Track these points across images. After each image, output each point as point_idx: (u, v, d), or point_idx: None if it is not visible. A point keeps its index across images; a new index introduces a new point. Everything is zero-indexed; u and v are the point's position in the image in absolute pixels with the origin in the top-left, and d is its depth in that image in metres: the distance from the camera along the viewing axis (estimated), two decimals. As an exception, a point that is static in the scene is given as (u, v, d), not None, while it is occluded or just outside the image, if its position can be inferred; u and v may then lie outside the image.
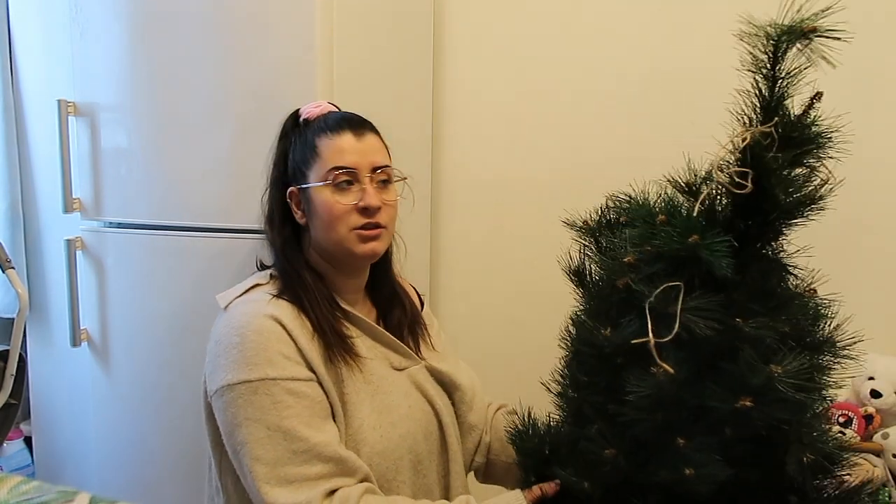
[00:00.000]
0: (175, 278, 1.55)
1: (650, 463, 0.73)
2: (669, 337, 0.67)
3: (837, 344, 0.75)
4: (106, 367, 1.67)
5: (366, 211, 0.95)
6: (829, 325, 0.76)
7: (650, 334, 0.67)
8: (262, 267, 1.06)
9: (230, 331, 0.88)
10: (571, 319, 0.84)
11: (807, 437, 0.70)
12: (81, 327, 1.67)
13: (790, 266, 0.78)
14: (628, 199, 0.83)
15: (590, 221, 0.87)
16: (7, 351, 1.75)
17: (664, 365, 0.67)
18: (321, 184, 0.94)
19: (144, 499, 1.65)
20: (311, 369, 0.88)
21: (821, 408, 0.76)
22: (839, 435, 0.77)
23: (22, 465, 2.00)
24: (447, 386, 1.06)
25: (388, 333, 1.00)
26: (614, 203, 0.86)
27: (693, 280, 0.69)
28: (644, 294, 0.69)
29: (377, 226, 0.96)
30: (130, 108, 1.57)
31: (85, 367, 1.69)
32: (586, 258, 0.88)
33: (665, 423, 0.71)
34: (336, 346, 0.92)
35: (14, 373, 1.75)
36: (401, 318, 1.06)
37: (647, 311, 0.68)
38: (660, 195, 0.78)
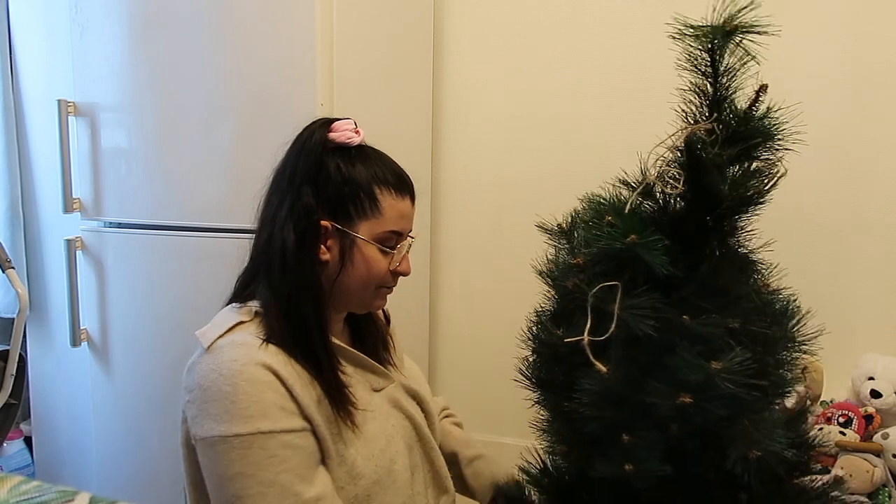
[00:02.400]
0: (175, 278, 1.55)
1: (596, 458, 0.74)
2: (605, 336, 0.67)
3: (796, 339, 0.75)
4: (106, 367, 1.67)
5: (398, 275, 0.98)
6: (791, 322, 0.76)
7: (585, 333, 0.68)
8: (238, 290, 0.99)
9: (219, 378, 0.84)
10: (532, 320, 0.85)
11: (753, 433, 0.69)
12: (81, 327, 1.67)
13: (754, 262, 0.78)
14: (594, 199, 0.84)
15: (563, 224, 0.88)
16: (7, 351, 1.75)
17: (597, 363, 0.68)
18: (373, 241, 0.93)
19: (144, 499, 1.65)
20: (305, 416, 0.87)
21: (774, 404, 0.75)
22: (815, 434, 0.76)
23: (22, 465, 2.00)
24: (418, 400, 1.07)
25: (367, 357, 0.99)
26: (587, 205, 0.86)
27: (638, 279, 0.70)
28: (587, 293, 0.70)
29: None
30: (130, 108, 1.57)
31: (85, 367, 1.70)
32: (554, 260, 0.88)
33: (612, 420, 0.72)
34: (336, 401, 0.91)
35: (14, 373, 1.76)
36: (374, 335, 1.06)
37: (590, 310, 0.69)
38: (614, 196, 0.78)
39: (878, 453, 1.44)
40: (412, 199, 0.98)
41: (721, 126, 0.71)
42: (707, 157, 0.70)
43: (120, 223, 1.62)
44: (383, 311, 1.12)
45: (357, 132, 0.95)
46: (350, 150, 0.94)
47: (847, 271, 1.71)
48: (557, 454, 0.78)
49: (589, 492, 0.76)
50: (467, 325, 2.05)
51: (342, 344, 0.97)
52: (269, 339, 0.88)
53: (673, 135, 0.72)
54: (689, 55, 0.71)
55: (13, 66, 1.82)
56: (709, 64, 0.71)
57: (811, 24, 1.64)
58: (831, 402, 1.58)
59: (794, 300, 0.77)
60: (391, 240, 0.94)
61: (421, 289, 2.01)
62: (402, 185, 0.96)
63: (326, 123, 0.95)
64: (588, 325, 0.68)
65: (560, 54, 1.88)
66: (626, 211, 0.72)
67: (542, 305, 0.86)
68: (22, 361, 1.79)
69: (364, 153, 0.95)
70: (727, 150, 0.71)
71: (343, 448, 0.90)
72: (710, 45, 0.70)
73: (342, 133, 0.94)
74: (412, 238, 0.99)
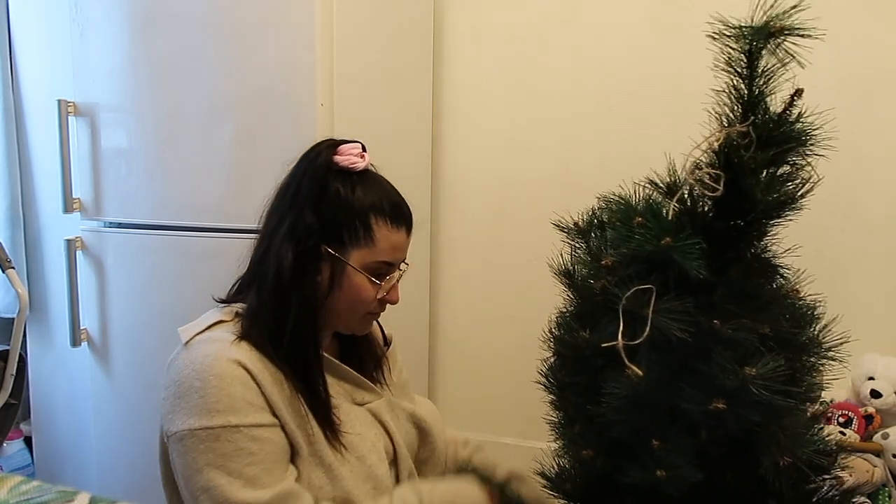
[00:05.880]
0: (175, 278, 1.55)
1: (624, 463, 0.73)
2: (640, 340, 0.67)
3: (823, 345, 0.75)
4: (106, 367, 1.67)
5: (386, 303, 0.98)
6: (816, 327, 0.75)
7: (619, 336, 0.67)
8: (232, 295, 0.99)
9: (191, 373, 0.86)
10: (555, 321, 0.84)
11: (783, 440, 0.69)
12: (81, 327, 1.67)
13: (778, 266, 0.78)
14: (619, 200, 0.83)
15: (580, 223, 0.87)
16: (7, 351, 1.75)
17: (632, 367, 0.67)
18: (362, 271, 0.93)
19: (144, 499, 1.65)
20: (275, 414, 0.88)
21: (804, 411, 0.75)
22: (827, 438, 0.76)
23: (22, 465, 2.00)
24: (414, 420, 1.07)
25: (351, 371, 0.99)
26: (605, 204, 0.85)
27: (669, 282, 0.69)
28: (618, 296, 0.69)
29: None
30: (130, 108, 1.57)
31: (85, 367, 1.70)
32: (575, 260, 0.87)
33: (641, 425, 0.71)
34: (321, 414, 0.92)
35: (14, 373, 1.75)
36: (363, 351, 1.05)
37: (621, 313, 0.68)
38: (642, 197, 0.78)
39: (878, 453, 1.44)
40: (408, 230, 0.97)
41: (755, 129, 0.70)
42: (742, 160, 0.70)
43: (120, 223, 1.62)
44: (383, 333, 1.12)
45: (362, 156, 0.95)
46: (353, 174, 0.94)
47: (847, 271, 1.71)
48: (583, 459, 0.77)
49: (617, 497, 0.75)
50: (467, 324, 2.05)
51: (328, 356, 0.97)
52: (243, 337, 0.89)
53: (710, 136, 0.71)
54: (726, 55, 0.70)
55: (13, 66, 1.82)
56: (745, 65, 0.70)
57: (813, 24, 1.64)
58: (831, 402, 1.58)
59: (821, 305, 0.76)
60: (381, 269, 0.94)
61: (421, 288, 2.01)
62: (399, 215, 0.95)
63: (333, 145, 0.95)
64: (621, 329, 0.67)
65: (560, 54, 1.88)
66: (669, 215, 0.70)
67: (563, 306, 0.85)
68: (22, 361, 1.79)
69: (366, 179, 0.95)
70: (761, 154, 0.70)
71: (320, 449, 0.90)
72: (748, 47, 0.69)
73: (347, 157, 0.94)
74: (406, 266, 0.99)
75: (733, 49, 0.70)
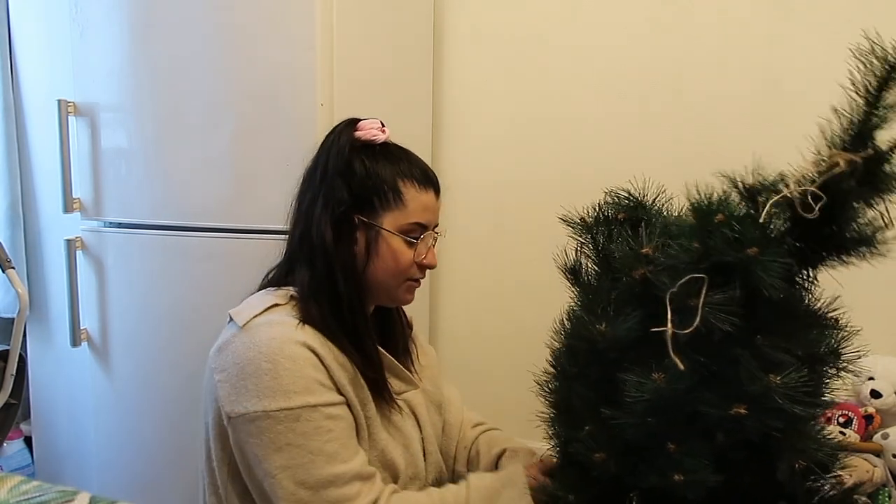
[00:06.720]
0: (175, 278, 1.55)
1: (639, 467, 0.72)
2: (690, 329, 0.64)
3: (842, 356, 0.74)
4: (106, 367, 1.67)
5: (424, 267, 1.00)
6: (836, 337, 0.74)
7: (669, 324, 0.64)
8: (273, 282, 1.00)
9: (258, 355, 0.86)
10: (568, 314, 0.84)
11: (800, 443, 0.69)
12: (81, 327, 1.67)
13: (820, 289, 0.76)
14: (627, 195, 0.83)
15: (587, 218, 0.87)
16: (7, 351, 1.75)
17: (676, 358, 0.64)
18: (397, 233, 0.95)
19: (144, 499, 1.65)
20: (341, 392, 0.90)
21: (816, 417, 0.75)
22: (834, 438, 0.75)
23: (22, 465, 2.00)
24: (437, 405, 1.09)
25: (393, 360, 1.01)
26: (612, 199, 0.85)
27: (713, 280, 0.67)
28: (665, 284, 0.66)
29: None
30: (130, 108, 1.57)
31: (85, 367, 1.70)
32: (582, 255, 0.87)
33: (658, 427, 0.70)
34: (376, 385, 0.94)
35: (14, 373, 1.75)
36: (398, 338, 1.07)
37: (668, 301, 0.65)
38: (716, 193, 0.72)
39: (878, 453, 1.44)
40: (436, 192, 1.01)
41: (867, 161, 0.67)
42: (842, 189, 0.66)
43: (120, 223, 1.62)
44: (405, 318, 1.13)
45: (382, 130, 0.99)
46: (375, 147, 0.98)
47: (847, 271, 1.71)
48: (595, 463, 0.75)
49: (628, 500, 0.74)
50: (467, 324, 2.05)
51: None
52: (304, 320, 0.90)
53: (830, 156, 0.67)
54: (861, 75, 0.67)
55: (13, 66, 1.82)
56: (874, 92, 0.66)
57: (816, 22, 1.65)
58: (831, 402, 1.58)
59: (851, 327, 0.75)
60: (415, 231, 0.96)
61: (421, 288, 2.00)
62: (426, 178, 0.99)
63: (352, 122, 0.99)
64: (669, 316, 0.64)
65: (560, 54, 1.88)
66: (761, 219, 0.67)
67: (573, 300, 0.85)
68: (22, 361, 1.79)
69: (389, 150, 0.99)
70: (859, 187, 0.67)
71: (376, 432, 0.93)
72: (885, 74, 0.65)
73: (367, 131, 0.98)
74: (437, 233, 1.01)
75: (867, 71, 0.66)
